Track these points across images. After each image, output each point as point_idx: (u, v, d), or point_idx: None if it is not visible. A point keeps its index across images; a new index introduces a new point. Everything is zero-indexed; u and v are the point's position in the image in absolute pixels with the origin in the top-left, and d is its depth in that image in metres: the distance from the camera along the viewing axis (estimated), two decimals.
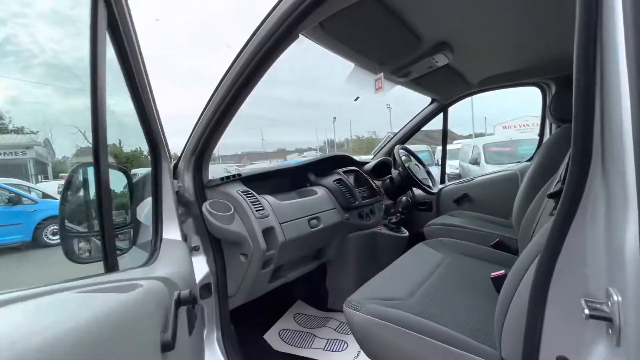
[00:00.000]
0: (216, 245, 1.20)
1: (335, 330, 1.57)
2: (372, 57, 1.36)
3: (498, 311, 0.72)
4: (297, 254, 1.44)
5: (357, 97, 1.79)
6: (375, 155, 2.55)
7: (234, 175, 1.30)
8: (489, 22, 1.26)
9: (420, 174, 2.01)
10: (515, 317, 0.66)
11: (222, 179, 1.25)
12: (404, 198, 1.79)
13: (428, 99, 2.26)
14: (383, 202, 1.91)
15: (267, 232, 1.22)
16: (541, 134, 2.09)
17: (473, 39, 1.38)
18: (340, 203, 1.59)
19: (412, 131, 2.38)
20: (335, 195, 1.59)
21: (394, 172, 2.08)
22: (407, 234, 1.79)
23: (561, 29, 1.36)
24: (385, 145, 2.49)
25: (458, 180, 2.35)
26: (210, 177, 1.25)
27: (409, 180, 1.89)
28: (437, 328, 0.84)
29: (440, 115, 2.34)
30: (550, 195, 0.57)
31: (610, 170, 0.47)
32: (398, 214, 1.79)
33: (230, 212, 1.17)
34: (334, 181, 1.64)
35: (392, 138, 2.49)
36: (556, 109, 1.53)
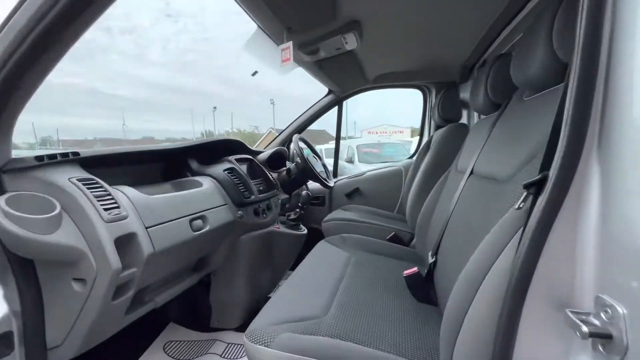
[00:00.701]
0: (23, 269, 0.72)
1: (222, 356, 1.26)
2: (281, 17, 1.10)
3: (447, 325, 0.60)
4: (171, 268, 1.06)
5: (256, 72, 1.50)
6: (268, 146, 2.30)
7: (63, 155, 0.82)
8: (400, 13, 1.21)
9: (318, 166, 1.88)
10: (474, 331, 0.55)
11: (38, 158, 0.76)
12: (304, 192, 1.61)
13: (310, 102, 2.19)
14: (279, 196, 1.69)
15: (124, 241, 0.81)
16: (421, 133, 2.29)
17: (382, 26, 1.31)
18: (233, 198, 1.27)
19: (309, 121, 2.24)
20: (226, 187, 1.27)
21: (290, 164, 1.89)
22: (305, 231, 1.62)
23: (450, 39, 1.45)
24: (276, 138, 2.28)
25: (349, 175, 2.35)
26: (13, 156, 0.75)
27: (307, 172, 1.73)
28: (369, 354, 0.67)
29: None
30: (527, 185, 0.46)
31: (610, 154, 0.39)
32: (297, 210, 1.60)
33: (54, 213, 0.71)
34: (224, 170, 1.31)
35: (286, 129, 2.30)
36: (444, 110, 1.64)
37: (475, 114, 1.85)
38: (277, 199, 1.62)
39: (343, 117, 2.35)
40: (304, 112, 2.24)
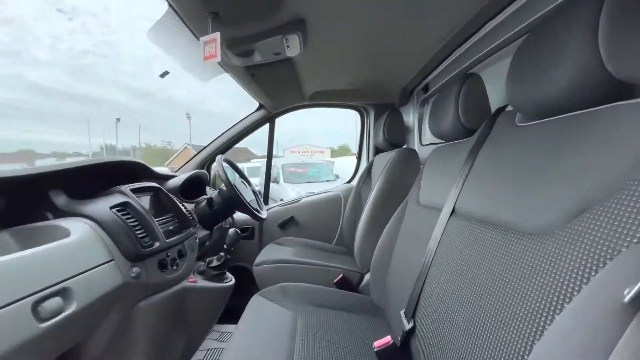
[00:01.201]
0: None
1: None
2: None
3: None
4: None
5: (166, 73, 1.13)
6: (181, 168, 1.87)
7: None
8: (350, 19, 1.03)
9: (247, 194, 1.55)
10: None
11: None
12: (231, 230, 1.26)
13: (232, 119, 1.89)
14: (197, 234, 1.30)
15: None
16: (359, 157, 2.15)
17: (328, 32, 1.11)
18: (124, 248, 0.86)
19: (234, 140, 1.90)
20: (113, 234, 0.85)
21: (211, 191, 1.52)
22: (232, 281, 1.26)
23: (395, 60, 1.35)
24: (195, 156, 1.88)
25: (283, 202, 2.06)
26: None
27: (234, 202, 1.39)
28: None
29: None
30: None
31: None
32: (222, 254, 1.23)
33: None
34: (112, 207, 0.89)
35: (206, 147, 1.91)
36: (390, 133, 1.51)
37: (416, 140, 1.78)
38: (193, 239, 1.23)
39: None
40: (229, 129, 1.90)
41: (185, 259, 1.11)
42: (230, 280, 1.24)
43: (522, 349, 0.44)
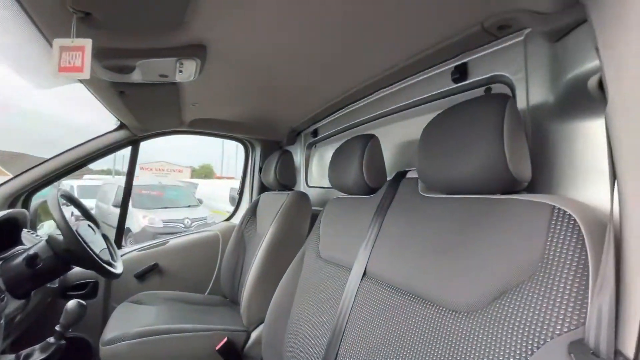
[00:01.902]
0: None
1: None
2: None
3: None
4: None
5: None
6: None
7: None
8: (252, 53, 0.95)
9: (96, 242, 1.17)
10: None
11: None
12: (72, 303, 0.88)
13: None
14: (4, 308, 0.86)
15: None
16: (241, 192, 2.00)
17: (226, 62, 0.99)
18: None
19: (78, 164, 1.44)
20: None
21: (29, 239, 1.09)
22: None
23: (288, 99, 1.35)
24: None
25: (144, 245, 1.67)
26: None
27: (78, 258, 1.01)
28: None
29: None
30: None
31: None
32: (51, 340, 0.84)
33: None
34: None
35: (24, 173, 1.37)
36: (282, 175, 1.46)
37: (302, 181, 1.81)
38: None
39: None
40: (69, 150, 1.42)
41: None
42: None
43: None
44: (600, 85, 0.46)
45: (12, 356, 0.83)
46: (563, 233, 0.45)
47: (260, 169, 1.90)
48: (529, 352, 0.42)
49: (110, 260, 1.19)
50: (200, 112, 1.51)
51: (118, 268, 1.19)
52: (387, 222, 0.79)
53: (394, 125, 1.18)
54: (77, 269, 1.41)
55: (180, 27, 0.71)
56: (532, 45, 0.69)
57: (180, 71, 0.90)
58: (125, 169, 1.66)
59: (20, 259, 0.99)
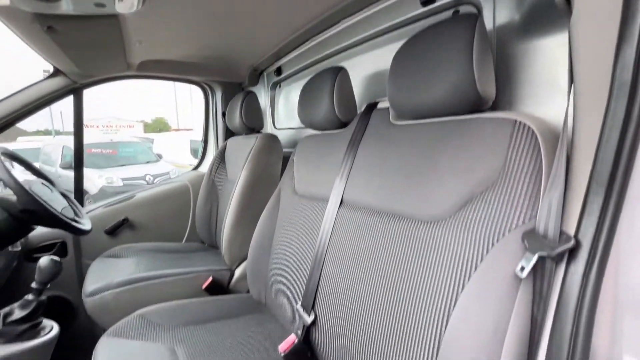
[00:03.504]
0: None
1: None
2: None
3: None
4: None
5: None
6: None
7: None
8: None
9: (56, 200, 1.10)
10: None
11: None
12: (44, 259, 0.85)
13: None
14: None
15: None
16: (205, 140, 1.92)
17: None
18: None
19: (14, 118, 1.28)
20: None
21: None
22: (55, 330, 0.87)
23: (249, 35, 1.24)
24: None
25: (108, 201, 1.60)
26: None
27: (39, 217, 0.95)
28: None
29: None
30: (551, 255, 0.39)
31: None
32: (29, 297, 0.83)
33: None
34: None
35: None
36: (249, 117, 1.41)
37: (269, 123, 1.76)
38: None
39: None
40: (5, 99, 1.24)
41: None
42: (51, 329, 0.86)
43: (435, 328, 0.52)
44: None
45: None
46: (522, 143, 0.50)
47: (223, 114, 1.81)
48: (490, 246, 0.49)
49: (75, 217, 1.14)
50: (149, 52, 1.35)
51: (86, 224, 1.15)
52: (360, 153, 0.82)
53: (362, 57, 1.15)
54: (39, 231, 1.34)
55: None
56: None
57: None
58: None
59: None
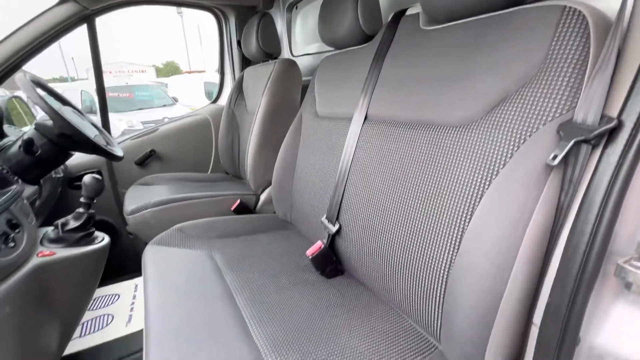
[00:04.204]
0: None
1: None
2: None
3: (471, 295, 0.49)
4: None
5: None
6: None
7: None
8: None
9: (87, 128, 1.14)
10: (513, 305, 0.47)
11: None
12: (88, 177, 0.92)
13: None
14: (22, 194, 0.90)
15: None
16: (222, 71, 1.87)
17: None
18: None
19: (31, 49, 1.27)
20: None
21: (16, 130, 1.06)
22: (106, 239, 0.98)
23: None
24: None
25: (135, 134, 1.65)
26: None
27: (75, 141, 1.00)
28: None
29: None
30: (588, 138, 0.38)
31: None
32: (81, 210, 0.91)
33: None
34: None
35: None
36: (266, 43, 1.35)
37: (286, 49, 1.68)
38: (21, 201, 0.85)
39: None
40: (11, 34, 1.23)
41: (21, 229, 0.77)
42: (103, 239, 0.97)
43: (458, 225, 0.55)
44: None
45: (49, 229, 0.91)
46: (570, 30, 0.46)
47: (238, 42, 1.73)
48: (522, 142, 0.48)
49: (108, 143, 1.19)
50: None
51: (118, 151, 1.21)
52: (386, 65, 0.78)
53: None
54: (76, 163, 1.43)
55: None
56: None
57: None
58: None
59: (16, 146, 0.98)
